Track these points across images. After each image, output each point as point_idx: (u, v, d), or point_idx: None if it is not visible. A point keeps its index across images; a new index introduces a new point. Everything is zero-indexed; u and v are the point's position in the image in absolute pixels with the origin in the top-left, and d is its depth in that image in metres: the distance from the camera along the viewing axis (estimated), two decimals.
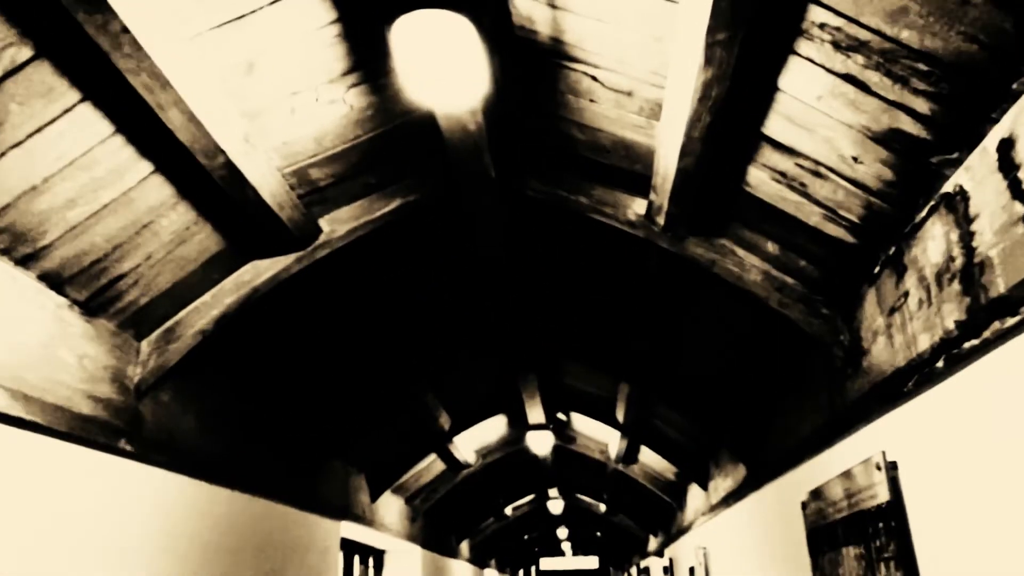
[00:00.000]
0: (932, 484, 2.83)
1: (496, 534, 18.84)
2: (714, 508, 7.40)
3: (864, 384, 3.38)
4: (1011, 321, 2.23)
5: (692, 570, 9.16)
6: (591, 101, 3.25)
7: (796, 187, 3.05)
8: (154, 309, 3.59)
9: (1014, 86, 2.07)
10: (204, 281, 3.68)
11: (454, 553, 14.16)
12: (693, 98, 2.68)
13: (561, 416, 9.87)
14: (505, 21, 2.98)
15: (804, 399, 4.24)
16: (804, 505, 4.30)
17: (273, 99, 2.99)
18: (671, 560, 11.47)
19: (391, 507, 9.01)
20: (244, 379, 4.78)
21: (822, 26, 2.31)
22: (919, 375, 2.84)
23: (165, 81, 2.50)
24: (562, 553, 32.07)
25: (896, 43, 2.19)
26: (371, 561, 9.77)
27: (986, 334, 2.38)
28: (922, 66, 2.21)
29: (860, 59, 2.33)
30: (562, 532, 23.32)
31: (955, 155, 2.41)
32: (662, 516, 11.91)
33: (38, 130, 2.52)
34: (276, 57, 2.83)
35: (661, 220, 3.62)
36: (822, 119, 2.64)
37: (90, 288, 3.19)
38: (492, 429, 9.78)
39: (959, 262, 2.49)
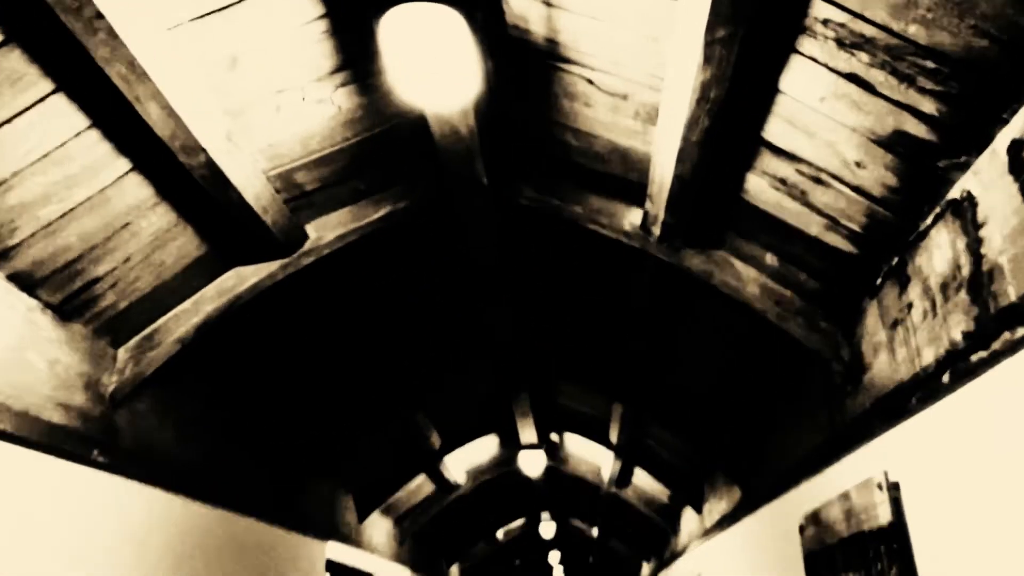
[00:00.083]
0: (936, 505, 2.71)
1: (487, 558, 18.55)
2: (708, 532, 7.25)
3: (865, 401, 3.27)
4: (1022, 331, 2.13)
5: None
6: (586, 105, 3.17)
7: (796, 195, 2.96)
8: (132, 315, 3.46)
9: None
10: (184, 287, 3.56)
11: None
12: (691, 99, 2.59)
13: (554, 437, 9.72)
14: (498, 20, 2.90)
15: (802, 417, 4.12)
16: (801, 528, 4.17)
17: (257, 96, 2.90)
18: None
19: (379, 528, 8.82)
20: (226, 391, 4.65)
21: (826, 22, 2.22)
22: (923, 390, 2.74)
23: (142, 72, 2.40)
24: None
25: (903, 39, 2.11)
26: None
27: (995, 345, 2.28)
28: (930, 64, 2.12)
29: (865, 57, 2.24)
30: (554, 557, 22.99)
31: (963, 159, 2.32)
32: (656, 540, 11.72)
33: (7, 120, 2.42)
34: (261, 52, 2.74)
35: (657, 230, 3.53)
36: (824, 122, 2.55)
37: (64, 291, 3.07)
38: (483, 449, 9.62)
39: (966, 271, 2.39)
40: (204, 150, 2.81)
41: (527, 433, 8.44)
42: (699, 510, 7.58)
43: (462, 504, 11.24)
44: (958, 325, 2.46)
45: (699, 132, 2.77)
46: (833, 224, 2.96)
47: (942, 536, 2.68)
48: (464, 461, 9.54)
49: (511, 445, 9.68)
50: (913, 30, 2.07)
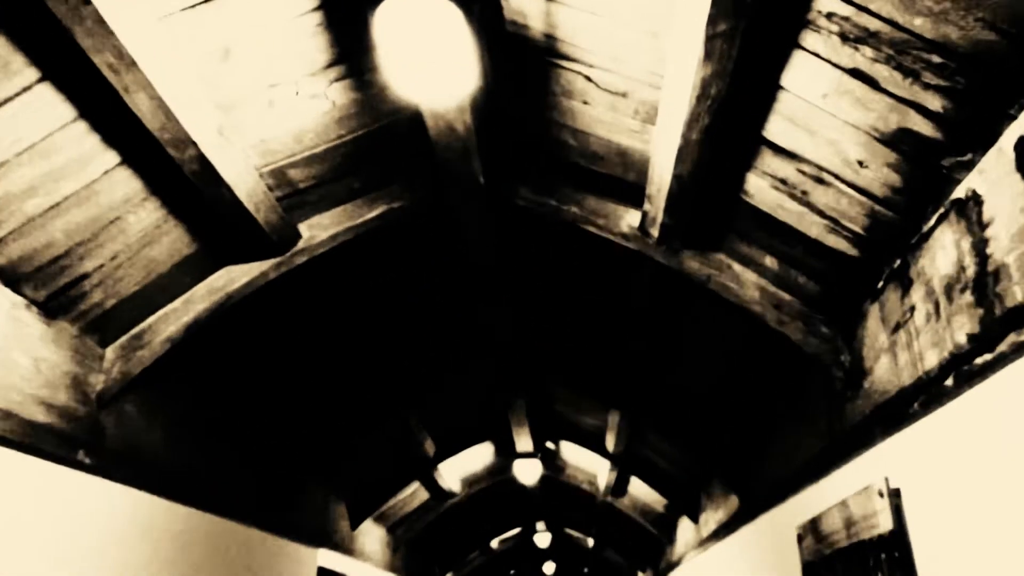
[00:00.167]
0: (939, 512, 2.65)
1: (481, 568, 18.41)
2: (705, 542, 7.17)
3: (865, 406, 3.21)
4: None
5: None
6: (584, 103, 3.12)
7: (797, 195, 2.91)
8: (120, 313, 3.40)
9: None
10: (174, 285, 3.50)
11: None
12: (691, 96, 2.55)
13: (550, 445, 9.64)
14: (496, 14, 2.85)
15: (801, 423, 4.06)
16: (800, 537, 4.10)
17: (250, 90, 2.85)
18: None
19: (372, 536, 8.72)
20: (216, 393, 4.57)
21: (830, 16, 2.18)
22: (926, 394, 2.68)
23: (131, 61, 2.35)
24: None
25: (908, 33, 2.07)
26: None
27: (1001, 347, 2.22)
28: (936, 58, 2.08)
29: (869, 52, 2.20)
30: (549, 568, 22.84)
31: (968, 157, 2.27)
32: (651, 550, 11.62)
33: None
34: (254, 44, 2.69)
35: (655, 232, 3.48)
36: (827, 120, 2.51)
37: (49, 287, 3.00)
38: (478, 457, 9.53)
39: (971, 271, 2.34)
40: (195, 144, 2.76)
41: (523, 441, 8.37)
42: (695, 520, 7.50)
43: (456, 512, 11.14)
44: (962, 327, 2.41)
45: (699, 130, 2.72)
46: (834, 225, 2.91)
47: (945, 545, 2.62)
48: (459, 469, 9.45)
49: (506, 453, 9.60)
50: (919, 23, 2.03)
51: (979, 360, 2.33)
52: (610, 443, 7.55)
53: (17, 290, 2.92)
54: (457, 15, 2.45)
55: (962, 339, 2.42)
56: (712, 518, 6.79)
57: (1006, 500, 2.23)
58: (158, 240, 3.24)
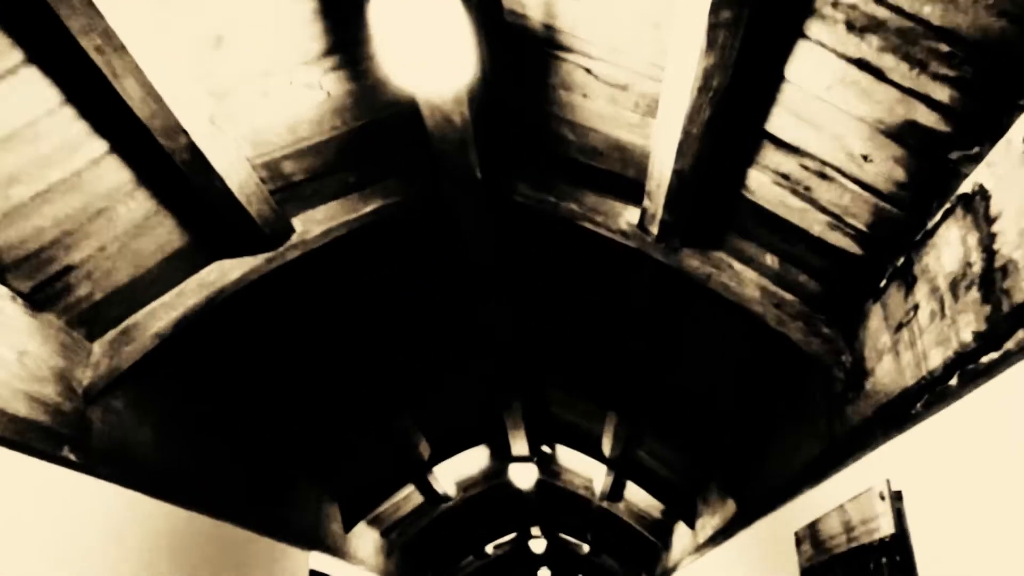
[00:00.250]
0: (942, 515, 2.59)
1: (476, 573, 18.31)
2: (701, 547, 7.11)
3: (867, 408, 3.16)
4: None
5: None
6: (584, 97, 3.07)
7: (799, 191, 2.86)
8: (108, 307, 3.33)
9: None
10: (164, 279, 3.43)
11: None
12: (693, 88, 2.50)
13: (546, 448, 9.57)
14: (495, 3, 2.80)
15: (801, 425, 4.01)
16: (798, 541, 4.04)
17: (243, 79, 2.79)
18: None
19: (366, 539, 8.64)
20: (207, 390, 4.51)
21: (836, 4, 2.13)
22: (929, 394, 2.63)
23: (120, 45, 2.29)
24: None
25: (916, 20, 2.02)
26: None
27: (1008, 345, 2.17)
28: (944, 47, 2.03)
29: (876, 41, 2.15)
30: (544, 574, 22.74)
31: (975, 150, 2.22)
32: (647, 556, 11.55)
33: None
34: (247, 31, 2.63)
35: (655, 229, 3.42)
36: (831, 112, 2.46)
37: (35, 278, 2.94)
38: (474, 460, 9.46)
39: (978, 267, 2.29)
40: (186, 132, 2.70)
41: (518, 445, 8.29)
42: (692, 525, 7.44)
43: (451, 517, 11.06)
44: (968, 325, 2.35)
45: (700, 124, 2.67)
46: (837, 222, 2.86)
47: (948, 549, 2.56)
48: (454, 472, 9.38)
49: (502, 457, 9.53)
50: (928, 11, 1.98)
51: (985, 359, 2.28)
52: (606, 447, 7.49)
53: (1, 280, 2.85)
54: (455, 3, 2.40)
55: (968, 337, 2.36)
56: (709, 523, 6.73)
57: (1011, 503, 2.18)
58: (148, 232, 3.18)
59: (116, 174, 2.85)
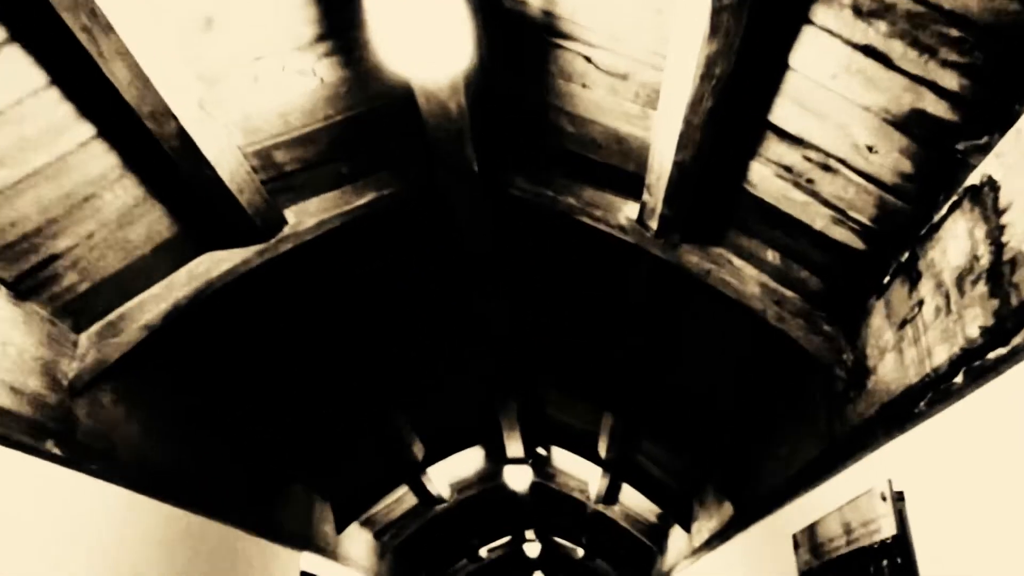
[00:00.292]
0: (945, 517, 2.53)
1: None
2: (697, 551, 7.04)
3: (868, 407, 3.10)
4: None
5: None
6: (583, 86, 3.01)
7: (802, 184, 2.80)
8: (95, 297, 3.26)
9: None
10: (153, 269, 3.36)
11: None
12: (695, 75, 2.44)
13: (541, 450, 9.49)
14: None
15: (801, 425, 3.94)
16: (796, 544, 3.98)
17: (233, 63, 2.72)
18: None
19: (358, 541, 8.56)
20: (196, 384, 4.43)
21: None
22: (933, 392, 2.57)
23: (107, 25, 2.22)
24: None
25: (926, 4, 1.96)
26: None
27: (1016, 340, 2.11)
28: (954, 32, 1.97)
29: (883, 27, 2.09)
30: None
31: (984, 140, 2.16)
32: (642, 560, 11.48)
33: None
34: (239, 13, 2.57)
35: (654, 224, 3.36)
36: (836, 101, 2.40)
37: (18, 266, 2.87)
38: (468, 462, 9.38)
39: (985, 261, 2.23)
40: (175, 118, 2.63)
41: (513, 446, 8.22)
42: (688, 529, 7.37)
43: (445, 519, 10.98)
44: (975, 320, 2.29)
45: (702, 114, 2.61)
46: (840, 216, 2.80)
47: (951, 551, 2.50)
48: (448, 474, 9.30)
49: (496, 458, 9.45)
50: None
51: (992, 355, 2.22)
52: (602, 448, 7.42)
53: None
54: None
55: (974, 333, 2.30)
56: (705, 526, 6.67)
57: (1017, 504, 2.11)
58: (136, 221, 3.11)
59: (103, 159, 2.78)
